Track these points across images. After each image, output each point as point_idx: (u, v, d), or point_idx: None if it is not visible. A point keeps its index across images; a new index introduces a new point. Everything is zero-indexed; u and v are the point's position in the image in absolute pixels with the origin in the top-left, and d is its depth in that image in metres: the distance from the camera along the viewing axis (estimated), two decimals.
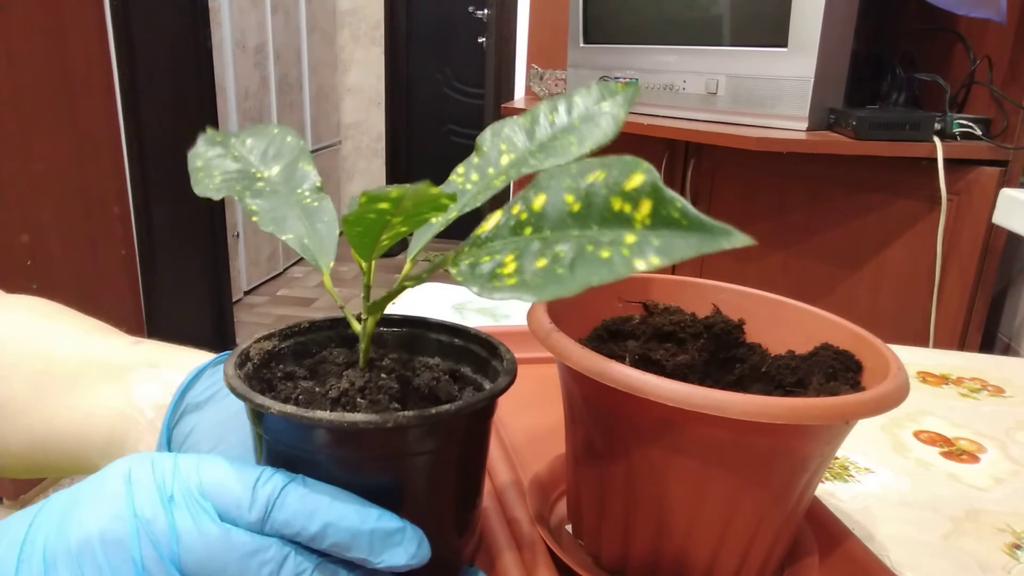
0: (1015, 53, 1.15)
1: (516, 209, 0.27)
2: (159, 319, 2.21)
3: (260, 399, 0.29)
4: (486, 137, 0.35)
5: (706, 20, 1.36)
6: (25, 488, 1.79)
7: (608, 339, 0.40)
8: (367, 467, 0.30)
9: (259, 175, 0.36)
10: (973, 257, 1.17)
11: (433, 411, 0.28)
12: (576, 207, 0.25)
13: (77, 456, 0.39)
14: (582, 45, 1.57)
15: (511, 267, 0.25)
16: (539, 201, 0.26)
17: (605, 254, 0.23)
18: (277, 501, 0.28)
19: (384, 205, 0.26)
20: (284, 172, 0.37)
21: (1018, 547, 0.45)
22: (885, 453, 0.56)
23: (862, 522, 0.47)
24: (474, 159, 0.34)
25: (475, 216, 0.33)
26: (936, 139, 1.14)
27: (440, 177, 0.33)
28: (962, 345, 1.21)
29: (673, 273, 0.43)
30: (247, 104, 3.08)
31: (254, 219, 0.34)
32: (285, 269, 3.62)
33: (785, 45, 1.21)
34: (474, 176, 0.34)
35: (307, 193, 0.36)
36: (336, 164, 4.10)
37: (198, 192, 0.34)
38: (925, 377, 0.69)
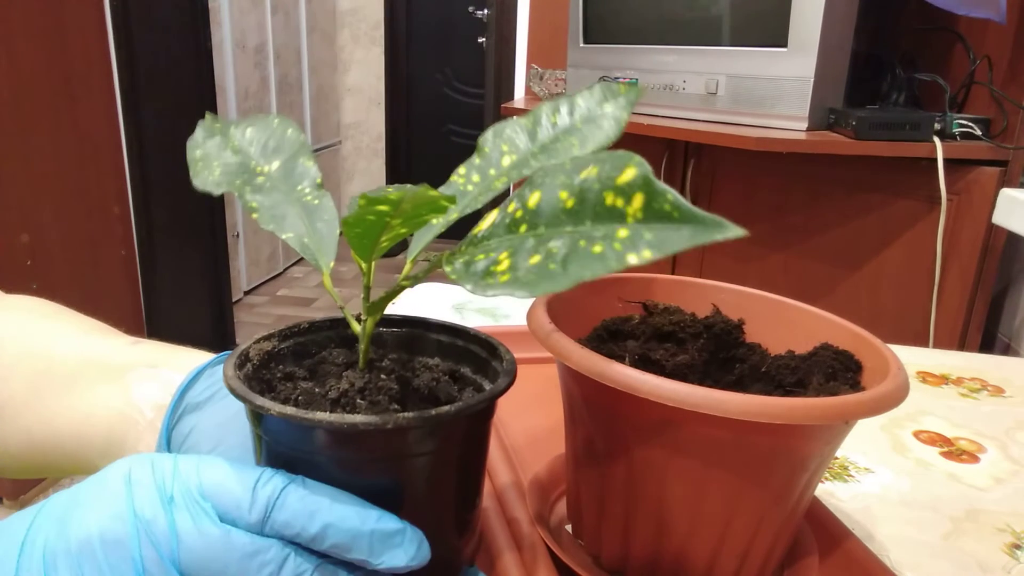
0: (1015, 53, 1.15)
1: (512, 207, 0.27)
2: (159, 319, 2.21)
3: (259, 400, 0.29)
4: (488, 138, 0.35)
5: (706, 20, 1.36)
6: (25, 488, 1.79)
7: (608, 339, 0.40)
8: (367, 468, 0.30)
9: (259, 170, 0.36)
10: (973, 257, 1.17)
11: (433, 412, 0.28)
12: (570, 203, 0.25)
13: (76, 456, 0.39)
14: (582, 45, 1.57)
15: (505, 264, 0.25)
16: (534, 198, 0.26)
17: (598, 249, 0.23)
18: (277, 502, 0.28)
19: (383, 207, 0.26)
20: (284, 167, 0.36)
21: (1018, 547, 0.45)
22: (885, 453, 0.56)
23: (862, 522, 0.47)
24: (475, 160, 0.34)
25: (477, 217, 0.33)
26: (936, 139, 1.14)
27: (440, 177, 0.33)
28: (962, 345, 1.21)
29: (673, 273, 0.43)
30: (247, 104, 3.08)
31: (254, 216, 0.33)
32: (285, 269, 3.62)
33: (785, 45, 1.21)
34: (475, 177, 0.34)
35: (307, 190, 0.35)
36: (336, 164, 4.10)
37: (197, 185, 0.34)
38: (925, 377, 0.69)
